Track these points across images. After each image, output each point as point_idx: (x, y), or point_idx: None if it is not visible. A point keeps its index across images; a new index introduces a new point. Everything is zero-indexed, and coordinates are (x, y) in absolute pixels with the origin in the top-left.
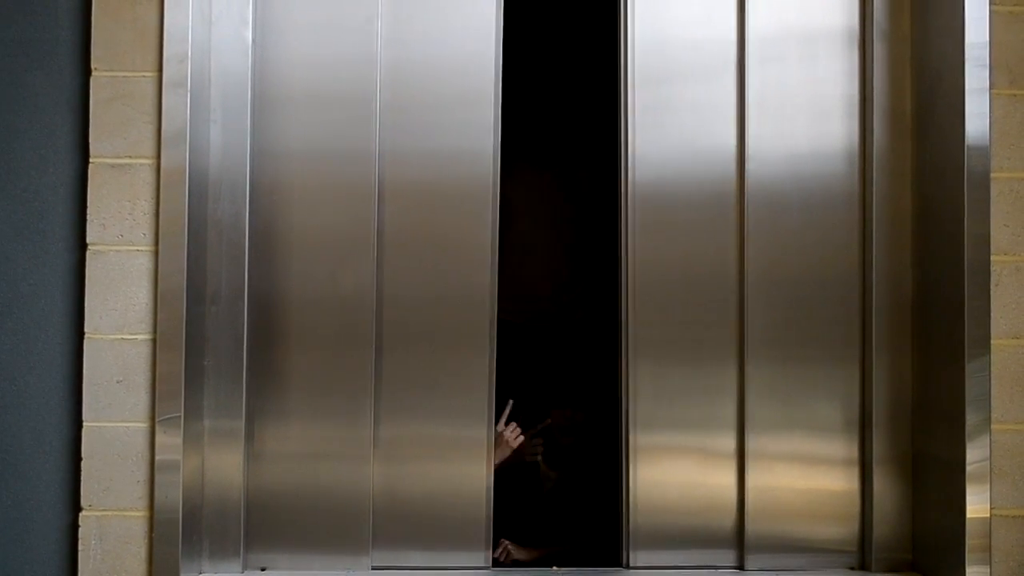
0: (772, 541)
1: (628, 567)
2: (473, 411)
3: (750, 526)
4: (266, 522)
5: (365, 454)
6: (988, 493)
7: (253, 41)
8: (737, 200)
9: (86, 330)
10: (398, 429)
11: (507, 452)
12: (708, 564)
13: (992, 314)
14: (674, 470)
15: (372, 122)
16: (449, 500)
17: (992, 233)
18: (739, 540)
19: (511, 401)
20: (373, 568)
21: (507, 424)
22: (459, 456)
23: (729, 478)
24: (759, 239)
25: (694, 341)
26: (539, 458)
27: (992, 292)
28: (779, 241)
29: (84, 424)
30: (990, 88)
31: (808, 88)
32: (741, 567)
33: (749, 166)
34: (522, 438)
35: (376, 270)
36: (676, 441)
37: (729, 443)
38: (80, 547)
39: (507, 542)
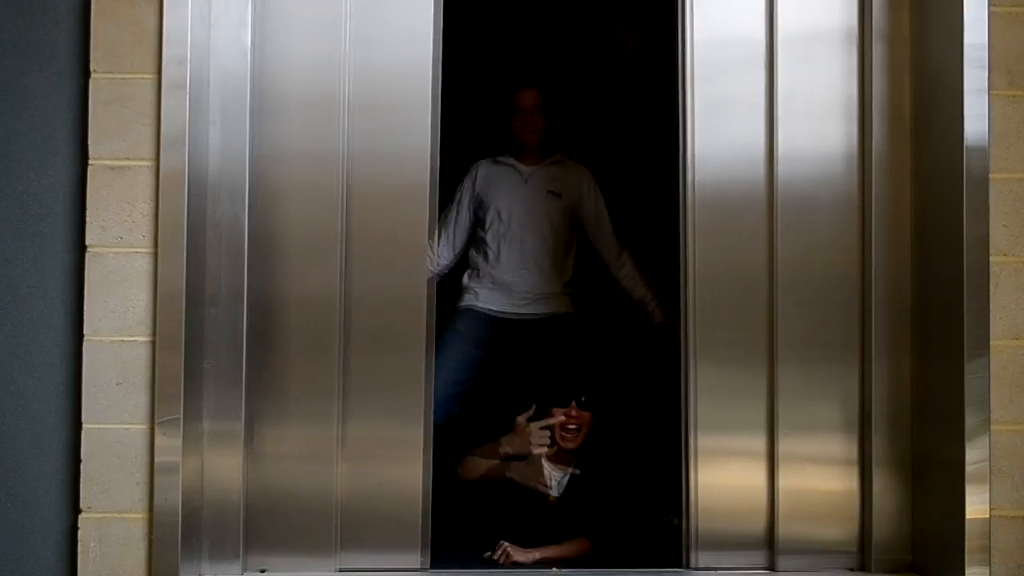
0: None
1: (691, 568)
2: (408, 411)
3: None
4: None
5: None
6: (987, 494)
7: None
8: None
9: (85, 332)
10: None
11: (524, 448)
12: (764, 566)
13: (991, 315)
14: (734, 472)
15: (339, 124)
16: (386, 501)
17: (991, 234)
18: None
19: (535, 405)
20: (339, 571)
21: (531, 421)
22: (395, 456)
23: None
24: (788, 239)
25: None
26: (543, 454)
27: (991, 293)
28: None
29: (83, 426)
30: (989, 89)
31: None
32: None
33: (779, 167)
34: (546, 446)
35: (342, 271)
36: (737, 444)
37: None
38: (79, 549)
39: (506, 544)
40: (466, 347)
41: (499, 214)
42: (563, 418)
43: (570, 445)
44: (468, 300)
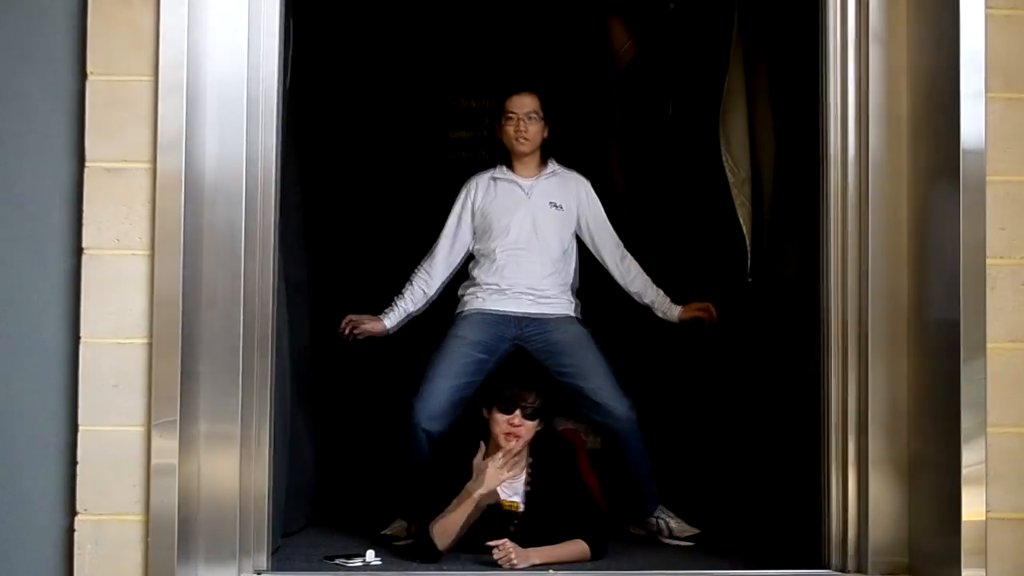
0: None
1: (847, 571)
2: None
3: None
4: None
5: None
6: (984, 496)
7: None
8: None
9: (82, 334)
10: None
11: (492, 484)
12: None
13: (988, 317)
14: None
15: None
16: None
17: (988, 236)
18: None
19: (482, 442)
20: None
21: (488, 457)
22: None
23: None
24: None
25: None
26: (513, 447)
27: (988, 295)
28: None
29: (80, 428)
30: (986, 92)
31: None
32: None
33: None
34: (506, 476)
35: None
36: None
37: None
38: (76, 551)
39: (508, 542)
40: (472, 352)
41: (504, 229)
42: (506, 425)
43: (510, 446)
44: (473, 305)
